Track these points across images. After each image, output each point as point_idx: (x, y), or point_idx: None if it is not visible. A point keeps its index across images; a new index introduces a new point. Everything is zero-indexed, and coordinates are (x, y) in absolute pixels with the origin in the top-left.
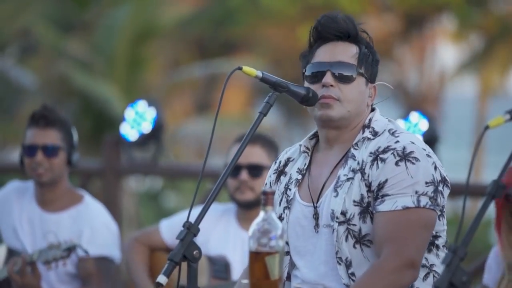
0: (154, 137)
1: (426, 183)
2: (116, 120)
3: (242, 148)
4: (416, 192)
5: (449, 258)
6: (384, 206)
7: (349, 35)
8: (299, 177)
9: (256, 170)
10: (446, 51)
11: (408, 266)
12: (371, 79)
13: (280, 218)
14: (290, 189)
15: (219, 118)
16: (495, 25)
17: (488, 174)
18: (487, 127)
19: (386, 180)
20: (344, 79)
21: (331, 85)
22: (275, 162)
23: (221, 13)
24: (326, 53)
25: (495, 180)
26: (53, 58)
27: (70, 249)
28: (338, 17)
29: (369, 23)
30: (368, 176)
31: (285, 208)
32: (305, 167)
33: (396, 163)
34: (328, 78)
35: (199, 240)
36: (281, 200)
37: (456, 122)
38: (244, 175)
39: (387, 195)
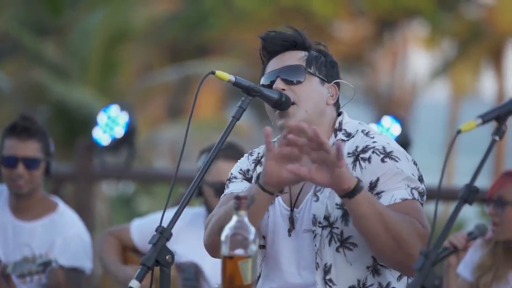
0: (126, 142)
1: (414, 179)
2: (89, 124)
3: (216, 150)
4: (408, 186)
5: (421, 262)
6: (383, 201)
7: (296, 43)
8: None
9: None
10: (419, 55)
11: (424, 238)
12: (327, 78)
13: None
14: None
15: (192, 123)
16: (467, 30)
17: (460, 179)
18: (459, 132)
19: (378, 179)
20: (293, 81)
21: (283, 89)
22: (251, 154)
23: (194, 16)
24: (274, 63)
25: (467, 184)
26: (27, 62)
27: (46, 264)
28: (282, 30)
29: (341, 27)
30: None
31: None
32: None
33: (382, 160)
34: (278, 84)
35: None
36: None
37: (428, 126)
38: None
39: (382, 191)
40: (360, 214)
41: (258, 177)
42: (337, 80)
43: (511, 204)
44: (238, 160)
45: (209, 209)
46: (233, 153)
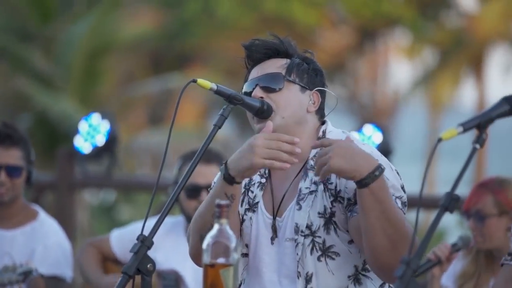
0: (107, 150)
1: (398, 187)
2: (71, 133)
3: (198, 159)
4: (393, 195)
5: (402, 269)
6: None
7: (278, 51)
8: (263, 180)
9: None
10: (400, 64)
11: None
12: (309, 86)
13: (242, 218)
14: (252, 191)
15: (173, 131)
16: (448, 38)
17: (441, 187)
18: (440, 140)
19: None
20: (272, 88)
21: (261, 97)
22: None
23: (175, 25)
24: (255, 71)
25: (448, 192)
26: (11, 69)
27: (26, 274)
28: (265, 39)
29: (324, 36)
30: (335, 185)
31: (248, 210)
32: (266, 171)
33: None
34: (257, 92)
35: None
36: (242, 200)
37: (409, 134)
38: (204, 196)
39: None
40: (363, 206)
41: (231, 177)
42: (318, 88)
43: (490, 217)
44: (211, 163)
45: (183, 212)
46: (205, 155)
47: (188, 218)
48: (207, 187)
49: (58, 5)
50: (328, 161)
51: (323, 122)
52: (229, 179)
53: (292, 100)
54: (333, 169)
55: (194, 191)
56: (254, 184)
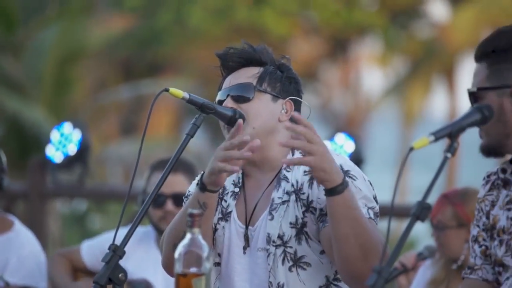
0: (79, 159)
1: (370, 198)
2: (42, 142)
3: (170, 168)
4: (366, 205)
5: (374, 278)
6: None
7: (251, 59)
8: (236, 190)
9: (180, 199)
10: (372, 73)
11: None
12: (282, 95)
13: (215, 227)
14: (225, 201)
15: (146, 140)
16: (419, 48)
17: (413, 196)
18: (411, 149)
19: None
20: (242, 99)
21: (232, 107)
22: None
23: (148, 34)
24: (228, 80)
25: (419, 201)
26: None
27: None
28: (239, 47)
29: (296, 45)
30: (307, 196)
31: (220, 219)
32: (239, 180)
33: (344, 181)
34: (227, 102)
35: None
36: (215, 209)
37: (381, 143)
38: (169, 205)
39: None
40: (334, 214)
41: (203, 185)
42: (291, 97)
43: (448, 228)
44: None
45: (151, 221)
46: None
47: (155, 227)
48: (172, 196)
49: (21, 12)
50: (313, 152)
51: None
52: (201, 186)
53: (263, 110)
54: (318, 168)
55: (159, 200)
56: (228, 193)
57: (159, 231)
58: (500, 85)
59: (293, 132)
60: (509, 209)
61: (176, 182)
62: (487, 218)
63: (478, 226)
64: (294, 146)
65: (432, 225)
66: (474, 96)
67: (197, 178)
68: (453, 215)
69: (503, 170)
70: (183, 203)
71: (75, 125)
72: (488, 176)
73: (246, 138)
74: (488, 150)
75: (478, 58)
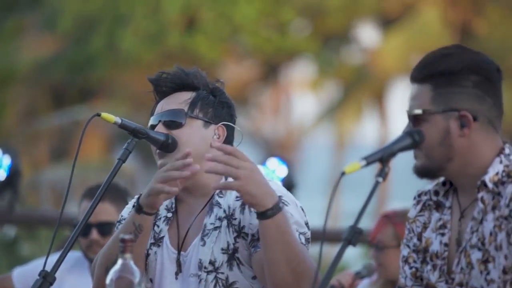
0: (9, 185)
1: (302, 224)
2: None
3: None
4: (297, 230)
5: None
6: None
7: (184, 84)
8: (169, 215)
9: (106, 228)
10: (305, 97)
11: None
12: (214, 120)
13: (147, 253)
14: (158, 226)
15: (78, 165)
16: (351, 73)
17: (345, 220)
18: (343, 173)
19: None
20: (173, 125)
21: (165, 133)
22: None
23: (80, 58)
24: (160, 105)
25: (351, 225)
26: None
27: None
28: (172, 71)
29: (228, 70)
30: (239, 221)
31: (153, 244)
32: (172, 205)
33: (277, 204)
34: (159, 128)
35: None
36: None
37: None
38: (94, 234)
39: None
40: (266, 238)
41: (139, 207)
42: (223, 122)
43: (388, 248)
44: (103, 200)
45: (80, 249)
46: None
47: (84, 255)
48: (97, 225)
49: None
50: (238, 177)
51: None
52: (137, 207)
53: (194, 136)
54: (244, 192)
55: (85, 229)
56: (160, 218)
57: (88, 259)
58: (448, 108)
59: (215, 162)
60: (442, 234)
61: (102, 211)
62: (419, 240)
63: (408, 246)
64: (218, 172)
65: (371, 245)
66: (416, 118)
67: (133, 201)
68: (394, 235)
69: (436, 192)
70: (115, 228)
71: (5, 151)
72: (419, 195)
73: (188, 160)
74: (425, 172)
75: (420, 80)
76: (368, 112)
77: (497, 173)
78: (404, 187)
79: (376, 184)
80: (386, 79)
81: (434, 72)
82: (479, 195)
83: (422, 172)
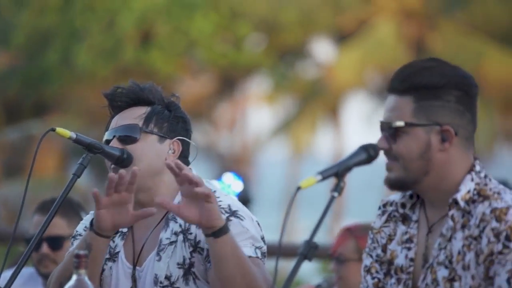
0: None
1: (258, 238)
2: None
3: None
4: (253, 244)
5: None
6: None
7: (139, 99)
8: (125, 230)
9: (56, 242)
10: (260, 112)
11: None
12: (169, 135)
13: (102, 268)
14: (113, 241)
15: (32, 181)
16: (306, 87)
17: (301, 235)
18: (299, 188)
19: None
20: (127, 140)
21: (120, 148)
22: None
23: (34, 72)
24: (115, 120)
25: (306, 240)
26: None
27: None
28: (127, 86)
29: (183, 84)
30: (195, 236)
31: (108, 259)
32: None
33: (228, 219)
34: (114, 143)
35: None
36: None
37: (269, 183)
38: (45, 248)
39: None
40: (222, 255)
41: (91, 225)
42: (179, 137)
43: (349, 261)
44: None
45: (33, 264)
46: (46, 207)
47: (36, 270)
48: (47, 239)
49: None
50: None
51: None
52: (90, 225)
53: (148, 152)
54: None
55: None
56: (116, 233)
57: (40, 274)
58: (431, 122)
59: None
60: (408, 248)
61: (52, 225)
62: (383, 251)
63: (371, 256)
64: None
65: (332, 258)
66: (396, 130)
67: (88, 217)
68: (355, 248)
69: (403, 205)
70: (70, 243)
71: None
72: (384, 205)
73: (134, 169)
74: (399, 185)
75: (401, 91)
76: (323, 126)
77: (468, 191)
78: (359, 202)
79: (332, 198)
80: (341, 93)
81: (417, 85)
82: (450, 212)
83: (395, 184)
